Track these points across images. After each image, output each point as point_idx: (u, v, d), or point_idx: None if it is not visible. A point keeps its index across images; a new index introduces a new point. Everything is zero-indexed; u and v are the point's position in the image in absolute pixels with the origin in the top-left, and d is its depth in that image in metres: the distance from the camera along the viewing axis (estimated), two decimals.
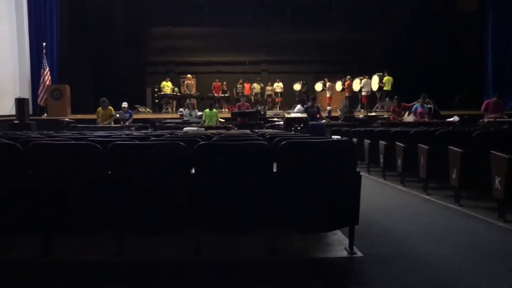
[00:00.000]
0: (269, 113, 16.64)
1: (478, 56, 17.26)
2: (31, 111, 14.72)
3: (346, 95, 18.48)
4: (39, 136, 5.82)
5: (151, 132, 8.30)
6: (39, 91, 15.55)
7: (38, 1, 15.98)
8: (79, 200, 3.49)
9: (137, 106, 18.74)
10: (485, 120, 12.02)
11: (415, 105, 12.32)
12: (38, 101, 15.59)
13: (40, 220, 3.50)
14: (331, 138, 7.58)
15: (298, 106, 14.03)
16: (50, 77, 15.68)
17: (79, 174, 3.51)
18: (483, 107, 12.74)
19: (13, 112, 13.66)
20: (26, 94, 15.16)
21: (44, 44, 15.62)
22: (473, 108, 15.53)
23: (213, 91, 19.71)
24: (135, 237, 3.68)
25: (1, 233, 3.62)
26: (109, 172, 3.53)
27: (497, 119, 11.64)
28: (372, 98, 18.29)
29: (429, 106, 12.51)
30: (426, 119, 11.95)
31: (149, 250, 3.70)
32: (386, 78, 17.54)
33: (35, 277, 3.26)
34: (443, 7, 19.10)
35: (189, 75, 20.34)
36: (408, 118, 12.57)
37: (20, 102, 13.58)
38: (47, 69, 15.56)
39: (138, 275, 3.29)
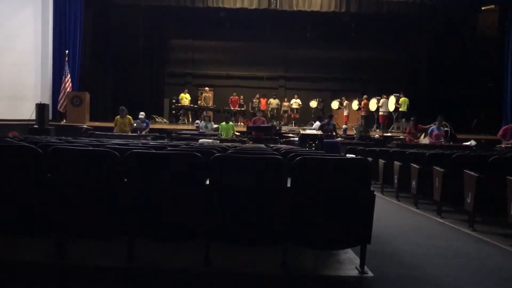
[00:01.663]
0: (284, 128, 16.66)
1: (497, 81, 17.13)
2: (50, 117, 14.96)
3: (362, 114, 18.44)
4: (58, 141, 5.92)
5: (167, 142, 8.39)
6: (60, 97, 15.82)
7: (63, 10, 16.36)
8: (94, 205, 3.55)
9: (154, 116, 18.94)
10: (503, 145, 11.88)
11: (431, 127, 12.25)
12: (58, 107, 15.86)
13: (56, 223, 3.55)
14: (346, 156, 7.57)
15: (317, 123, 14.03)
16: (71, 84, 15.95)
17: (96, 180, 3.57)
18: (500, 133, 12.59)
19: (33, 117, 13.90)
20: (47, 99, 15.43)
21: (67, 51, 15.94)
22: (490, 133, 15.38)
23: (230, 104, 19.84)
24: (146, 244, 3.71)
25: (17, 234, 3.69)
26: (125, 179, 3.59)
27: None
28: (389, 119, 18.23)
29: (445, 129, 12.43)
30: (442, 142, 11.85)
31: (159, 258, 3.72)
32: (402, 99, 17.48)
33: (47, 278, 3.31)
34: (463, 31, 19.06)
35: (206, 88, 20.53)
36: (424, 140, 12.49)
37: (40, 108, 13.83)
38: (68, 76, 15.84)
39: (148, 282, 3.32)
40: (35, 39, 15.70)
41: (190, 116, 19.28)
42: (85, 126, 13.69)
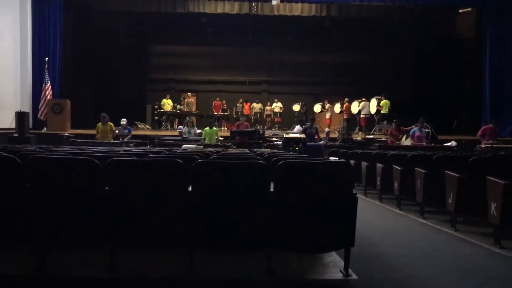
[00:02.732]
0: (268, 132, 16.69)
1: (476, 82, 17.42)
2: (31, 125, 14.75)
3: (345, 117, 18.56)
4: (38, 150, 5.83)
5: (149, 149, 8.32)
6: (40, 105, 15.60)
7: (42, 16, 16.16)
8: (75, 215, 3.49)
9: (136, 122, 18.79)
10: (482, 145, 12.09)
11: (413, 129, 12.39)
12: (39, 115, 15.64)
13: (36, 234, 3.49)
14: (329, 159, 7.61)
15: (297, 127, 14.08)
16: (51, 92, 15.74)
17: (77, 189, 3.52)
18: (479, 132, 12.87)
19: (13, 125, 13.68)
20: (27, 107, 15.20)
21: (47, 59, 15.73)
22: (470, 134, 15.62)
23: (213, 109, 19.82)
24: (129, 252, 3.67)
25: None
26: (106, 188, 3.55)
27: (494, 145, 11.71)
28: (371, 121, 18.38)
29: (426, 130, 12.58)
30: (424, 143, 12.00)
31: (143, 266, 3.68)
32: (383, 102, 17.63)
33: None
34: (442, 33, 19.36)
35: (189, 93, 20.48)
36: (406, 141, 12.62)
37: (20, 116, 13.63)
38: (49, 83, 15.62)
39: None
40: (14, 46, 15.46)
41: (176, 122, 19.18)
42: (66, 134, 13.51)
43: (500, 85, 16.38)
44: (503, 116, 15.72)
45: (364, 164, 8.40)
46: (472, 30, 18.51)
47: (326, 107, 19.64)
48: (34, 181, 3.57)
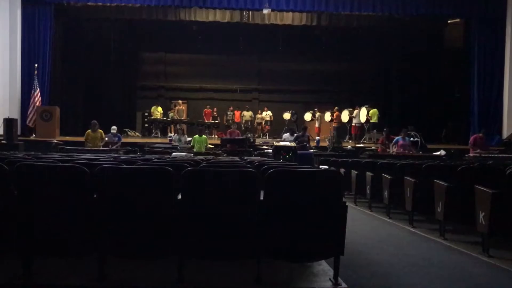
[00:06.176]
0: (259, 140, 16.71)
1: (464, 91, 17.62)
2: (19, 132, 14.62)
3: (335, 125, 18.66)
4: (26, 157, 5.77)
5: (139, 156, 8.28)
6: (29, 112, 15.49)
7: (32, 23, 16.09)
8: (63, 223, 3.45)
9: (126, 130, 18.71)
10: (471, 155, 12.22)
11: (396, 138, 12.60)
12: (27, 122, 15.52)
13: (23, 242, 3.44)
14: (319, 167, 7.63)
15: (286, 134, 14.11)
16: (40, 99, 15.63)
17: (65, 196, 3.48)
18: (471, 141, 13.02)
19: (1, 132, 13.55)
20: (15, 114, 15.08)
21: (36, 65, 15.64)
22: (459, 143, 15.75)
23: (204, 117, 19.83)
24: (117, 262, 3.63)
25: None
26: (95, 196, 3.51)
27: (482, 154, 11.84)
28: (361, 130, 18.50)
29: (415, 139, 12.73)
30: (407, 151, 12.18)
31: (131, 275, 3.64)
32: (372, 111, 17.77)
33: None
34: (431, 43, 19.59)
35: (179, 101, 20.46)
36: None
37: (8, 123, 13.51)
38: (38, 90, 15.53)
39: None
40: (3, 52, 15.36)
41: (172, 129, 19.10)
42: (55, 141, 13.42)
43: (487, 95, 16.58)
44: (491, 126, 15.91)
45: (354, 172, 8.43)
46: (460, 41, 18.76)
47: (316, 116, 19.72)
48: (22, 188, 3.53)
